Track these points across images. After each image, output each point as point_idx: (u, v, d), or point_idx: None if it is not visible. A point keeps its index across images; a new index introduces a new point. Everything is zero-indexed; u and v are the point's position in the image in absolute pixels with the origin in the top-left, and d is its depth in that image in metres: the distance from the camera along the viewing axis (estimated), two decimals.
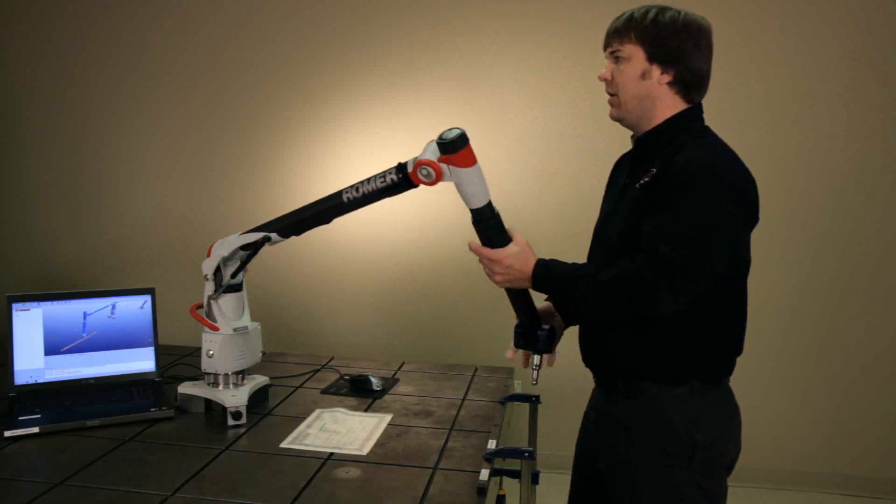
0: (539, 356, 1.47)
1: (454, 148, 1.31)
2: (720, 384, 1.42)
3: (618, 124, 1.46)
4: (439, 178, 1.35)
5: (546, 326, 1.45)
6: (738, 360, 1.43)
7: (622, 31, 1.38)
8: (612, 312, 1.30)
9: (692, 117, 1.40)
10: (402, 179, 1.41)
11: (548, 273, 1.34)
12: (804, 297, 3.01)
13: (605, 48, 1.42)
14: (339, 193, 1.51)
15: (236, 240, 1.63)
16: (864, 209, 2.94)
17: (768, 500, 2.98)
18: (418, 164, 1.35)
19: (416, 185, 1.42)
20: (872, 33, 2.86)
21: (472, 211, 1.35)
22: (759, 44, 2.94)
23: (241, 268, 1.65)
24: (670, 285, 1.22)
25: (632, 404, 1.39)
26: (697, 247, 1.24)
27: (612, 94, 1.42)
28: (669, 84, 1.37)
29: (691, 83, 1.37)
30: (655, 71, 1.36)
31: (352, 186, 1.49)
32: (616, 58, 1.39)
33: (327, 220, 1.58)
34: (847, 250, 2.97)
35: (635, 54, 1.36)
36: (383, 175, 1.44)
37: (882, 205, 2.93)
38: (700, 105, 1.42)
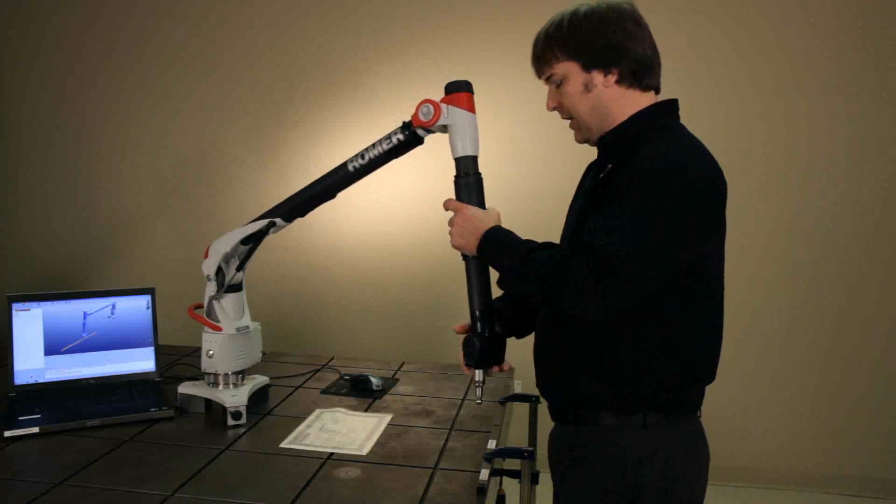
0: (480, 371, 1.33)
1: (457, 87, 1.33)
2: (682, 417, 1.26)
3: None
4: (437, 116, 1.34)
5: (473, 338, 1.31)
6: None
7: (546, 54, 1.28)
8: (534, 293, 1.18)
9: (659, 113, 1.28)
10: (407, 137, 1.42)
11: (496, 237, 1.25)
12: (804, 296, 3.01)
13: (539, 77, 1.32)
14: (343, 165, 1.51)
15: (237, 233, 1.63)
16: (864, 209, 2.95)
17: (768, 500, 2.98)
18: (421, 102, 1.36)
19: (421, 142, 1.43)
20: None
21: (457, 160, 1.34)
22: (768, 42, 2.94)
23: (247, 258, 1.65)
24: (595, 282, 1.08)
25: (581, 433, 1.28)
26: (637, 247, 1.10)
27: (568, 118, 1.32)
28: (618, 83, 1.25)
29: (639, 72, 1.25)
30: (598, 77, 1.25)
31: (356, 155, 1.49)
32: (554, 83, 1.29)
33: (333, 195, 1.57)
34: (848, 250, 2.97)
35: (570, 70, 1.26)
36: (388, 137, 1.45)
37: (883, 204, 2.93)
38: (673, 101, 1.30)
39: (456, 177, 1.34)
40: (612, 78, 1.24)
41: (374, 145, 1.47)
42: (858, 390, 3.01)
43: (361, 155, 1.48)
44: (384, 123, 3.14)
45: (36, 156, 3.48)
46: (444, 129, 1.36)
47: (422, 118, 1.36)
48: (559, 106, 1.31)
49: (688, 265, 1.18)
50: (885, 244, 2.95)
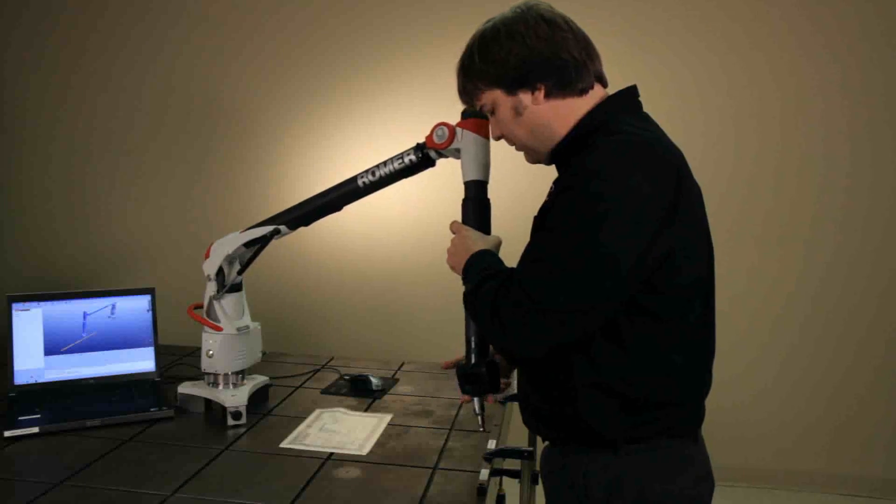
0: (478, 399, 1.30)
1: (473, 114, 1.33)
2: (657, 442, 1.13)
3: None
4: (451, 139, 1.35)
5: (481, 366, 1.27)
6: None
7: (466, 88, 1.21)
8: (478, 323, 1.16)
9: (599, 115, 1.15)
10: (420, 158, 1.43)
11: (474, 261, 1.19)
12: (804, 296, 3.01)
13: (472, 108, 1.28)
14: (353, 179, 1.52)
15: (240, 237, 1.63)
16: (865, 209, 2.94)
17: (768, 501, 2.98)
18: (436, 125, 1.36)
19: (432, 164, 1.44)
20: None
21: (466, 184, 1.33)
22: (781, 41, 2.94)
23: (250, 263, 1.65)
24: (511, 318, 1.04)
25: (556, 456, 1.21)
26: (556, 271, 1.01)
27: (515, 146, 1.25)
28: (547, 97, 1.14)
29: (566, 79, 1.13)
30: (525, 98, 1.15)
31: (367, 171, 1.50)
32: (486, 112, 1.22)
33: (339, 207, 1.57)
34: (848, 250, 2.97)
35: (496, 99, 1.17)
36: (401, 156, 1.46)
37: (883, 204, 2.93)
38: (618, 95, 1.18)
39: (464, 199, 1.33)
40: (540, 94, 1.14)
41: (385, 163, 1.48)
42: (858, 390, 3.01)
43: (372, 172, 1.49)
44: (384, 124, 3.17)
45: (36, 156, 3.48)
46: (456, 153, 1.36)
47: (436, 140, 1.37)
48: (502, 135, 1.24)
49: (645, 284, 1.05)
50: (887, 244, 2.94)
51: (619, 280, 1.02)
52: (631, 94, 1.19)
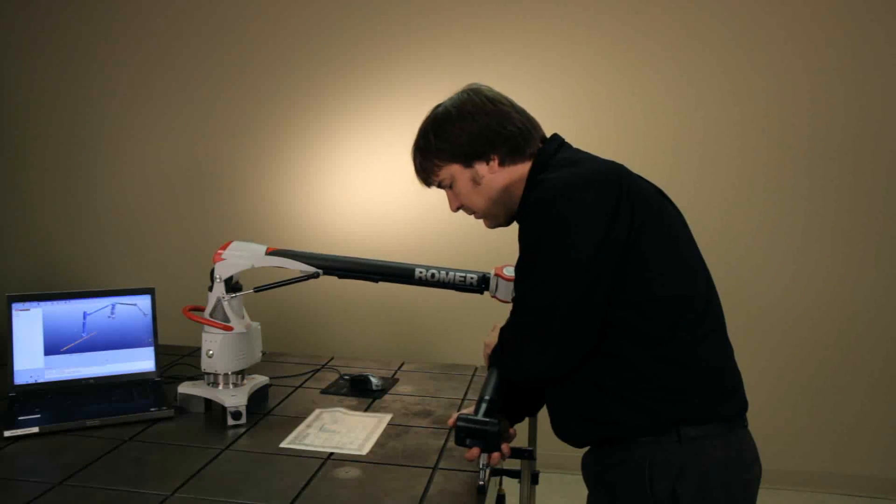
0: (486, 455, 1.29)
1: None
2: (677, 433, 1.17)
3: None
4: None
5: (494, 421, 1.27)
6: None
7: (426, 166, 1.34)
8: (498, 365, 1.31)
9: (543, 161, 1.28)
10: (477, 285, 1.55)
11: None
12: (806, 296, 3.01)
13: (428, 186, 1.39)
14: (410, 268, 1.58)
15: (266, 258, 1.62)
16: (866, 209, 2.95)
17: (768, 501, 2.98)
18: (506, 265, 1.48)
19: (480, 292, 1.55)
20: None
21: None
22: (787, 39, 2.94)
23: (273, 287, 1.65)
24: (517, 346, 1.20)
25: (602, 456, 1.27)
26: (542, 295, 1.15)
27: (475, 214, 1.37)
28: (501, 165, 1.29)
29: (517, 147, 1.28)
30: (481, 169, 1.29)
31: (427, 268, 1.57)
32: (445, 187, 1.36)
33: (377, 281, 1.63)
34: (850, 250, 2.97)
35: (454, 172, 1.32)
36: (464, 273, 1.55)
37: (884, 204, 2.93)
38: (547, 146, 1.30)
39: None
40: (495, 163, 1.28)
41: (447, 271, 1.56)
42: (859, 390, 3.01)
43: (432, 273, 1.56)
44: (384, 126, 3.17)
45: (36, 155, 3.48)
46: (507, 294, 1.45)
47: (506, 273, 1.48)
48: (462, 206, 1.36)
49: (624, 289, 1.14)
50: (887, 244, 2.94)
51: (582, 268, 1.12)
52: (549, 145, 1.32)
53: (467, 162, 1.29)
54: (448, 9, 3.10)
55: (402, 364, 2.17)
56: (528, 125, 1.30)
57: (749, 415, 1.27)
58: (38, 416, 1.58)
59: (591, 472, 1.29)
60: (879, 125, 2.89)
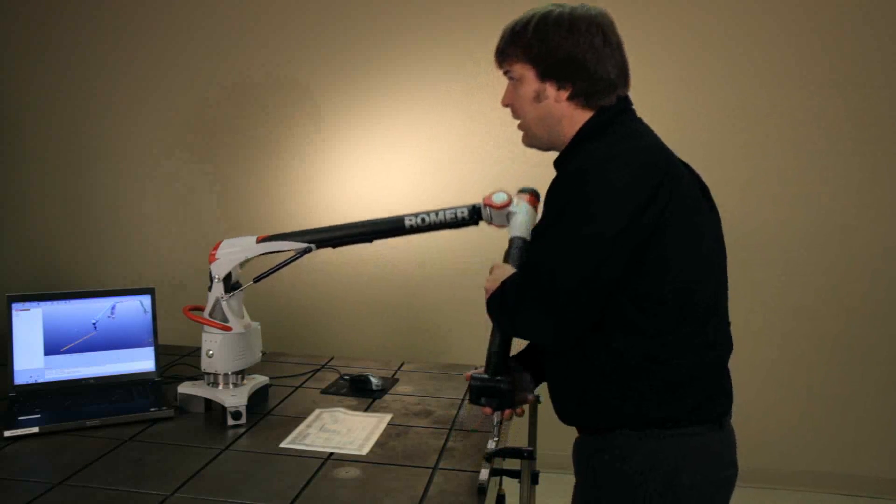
0: (499, 412, 1.35)
1: (530, 190, 1.43)
2: (677, 429, 1.20)
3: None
4: (507, 204, 1.39)
5: (506, 379, 1.33)
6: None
7: (507, 50, 1.25)
8: (497, 318, 1.27)
9: (600, 123, 1.22)
10: (469, 215, 1.49)
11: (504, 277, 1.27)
12: (804, 295, 3.01)
13: (499, 68, 1.29)
14: (399, 219, 1.54)
15: (257, 246, 1.62)
16: (866, 209, 2.94)
17: (768, 501, 2.98)
18: (496, 190, 1.43)
19: (476, 224, 1.50)
20: None
21: (512, 239, 1.40)
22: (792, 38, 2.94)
23: (271, 273, 1.65)
24: (518, 300, 1.16)
25: (591, 441, 1.28)
26: (553, 263, 1.13)
27: (519, 122, 1.31)
28: (569, 99, 1.21)
29: (594, 93, 1.20)
30: (550, 89, 1.21)
31: (416, 215, 1.53)
32: (510, 78, 1.27)
33: (372, 240, 1.60)
34: (849, 249, 2.97)
35: (526, 74, 1.23)
36: (454, 210, 1.50)
37: (884, 204, 2.93)
38: (612, 106, 1.23)
39: (508, 249, 1.38)
40: (565, 94, 1.21)
41: (436, 212, 1.52)
42: (858, 390, 3.01)
43: (421, 218, 1.52)
44: (383, 127, 3.17)
45: (35, 155, 3.48)
46: (505, 218, 1.42)
47: (495, 200, 1.42)
48: (511, 105, 1.29)
49: (631, 278, 1.13)
50: (887, 244, 2.94)
51: (601, 245, 1.10)
52: (616, 108, 1.24)
53: (543, 75, 1.21)
54: (448, 9, 3.10)
55: (402, 364, 2.17)
56: (619, 80, 1.22)
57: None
58: (38, 416, 1.58)
59: (577, 457, 1.30)
60: (884, 124, 2.89)
